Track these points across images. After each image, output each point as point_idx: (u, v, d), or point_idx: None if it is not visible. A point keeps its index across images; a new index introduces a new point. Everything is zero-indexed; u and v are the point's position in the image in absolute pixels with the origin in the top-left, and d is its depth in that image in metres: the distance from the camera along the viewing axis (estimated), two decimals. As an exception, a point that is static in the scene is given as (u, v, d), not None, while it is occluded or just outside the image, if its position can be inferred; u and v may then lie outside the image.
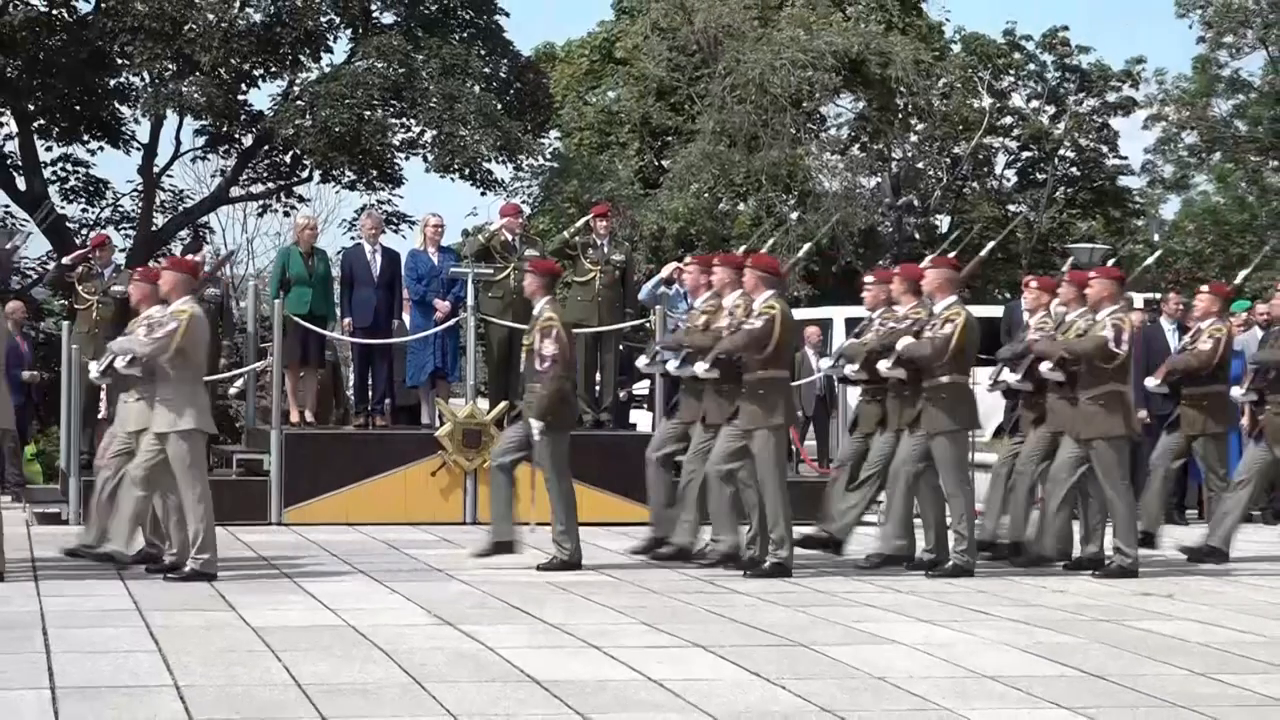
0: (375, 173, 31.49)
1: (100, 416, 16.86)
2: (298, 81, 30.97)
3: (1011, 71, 47.22)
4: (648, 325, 17.01)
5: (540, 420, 12.02)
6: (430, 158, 30.74)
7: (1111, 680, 8.17)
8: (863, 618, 10.09)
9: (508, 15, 32.18)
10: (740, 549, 12.23)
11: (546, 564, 12.17)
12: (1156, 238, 50.08)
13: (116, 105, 31.17)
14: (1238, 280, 16.27)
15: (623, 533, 14.70)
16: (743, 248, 17.86)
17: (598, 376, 17.18)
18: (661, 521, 12.85)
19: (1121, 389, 12.21)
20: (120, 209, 33.63)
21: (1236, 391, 13.83)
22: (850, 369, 13.08)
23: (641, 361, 13.67)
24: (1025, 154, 47.80)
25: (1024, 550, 12.92)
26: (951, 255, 13.95)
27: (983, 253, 15.63)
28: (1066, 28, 47.02)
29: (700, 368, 12.20)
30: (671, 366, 12.83)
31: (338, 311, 17.23)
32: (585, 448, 15.97)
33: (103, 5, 29.64)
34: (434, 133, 30.21)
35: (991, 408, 20.24)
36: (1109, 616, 10.31)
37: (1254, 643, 9.39)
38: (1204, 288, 14.28)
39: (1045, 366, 12.63)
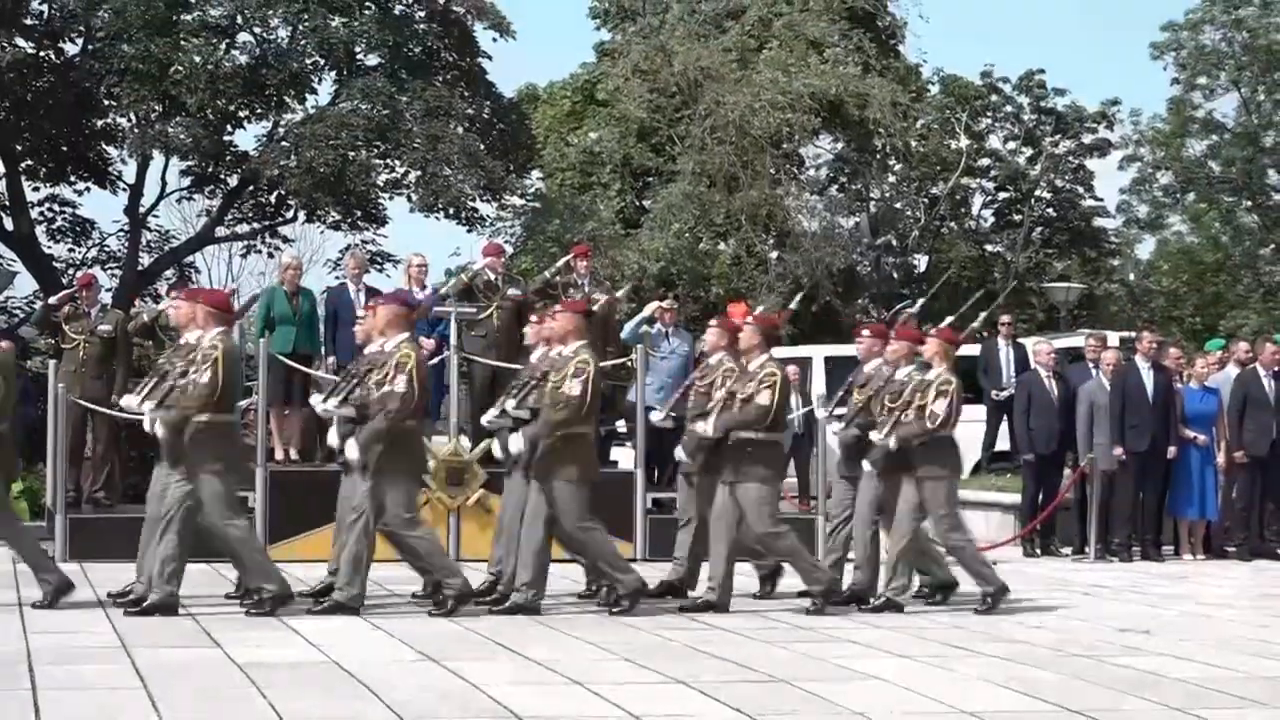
0: (359, 213, 31.51)
1: (87, 456, 16.85)
2: (282, 123, 30.99)
3: (988, 113, 47.40)
4: (629, 364, 17.01)
5: None
6: (414, 198, 30.76)
7: (1090, 715, 8.16)
8: (844, 654, 10.09)
9: (490, 58, 32.26)
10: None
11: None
12: (1132, 277, 50.27)
13: (103, 146, 31.16)
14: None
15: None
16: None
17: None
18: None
19: (586, 431, 12.02)
20: (106, 249, 33.60)
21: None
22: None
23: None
24: (1002, 194, 47.96)
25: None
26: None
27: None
28: (1043, 70, 47.29)
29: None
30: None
31: (322, 350, 17.22)
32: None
33: (90, 47, 29.67)
34: (418, 173, 30.24)
35: (968, 447, 20.34)
36: (1087, 652, 10.32)
37: (1230, 678, 9.40)
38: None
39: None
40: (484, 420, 12.74)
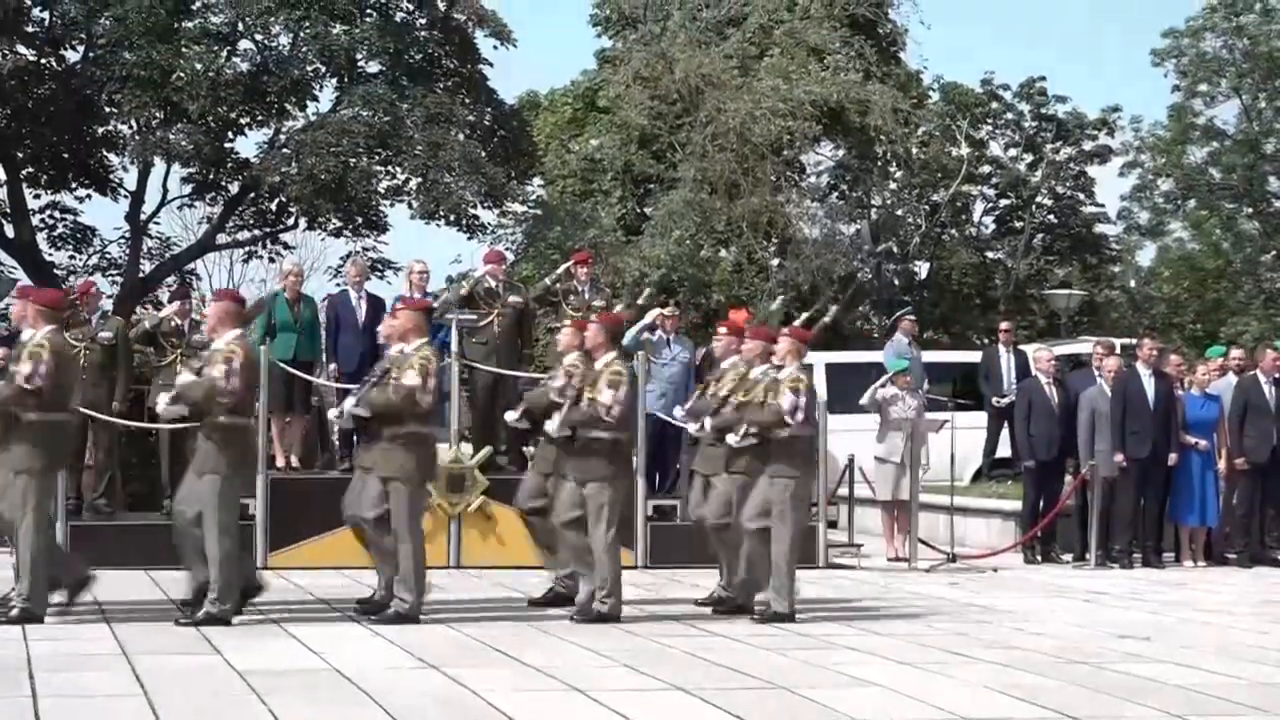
0: (360, 219, 31.57)
1: (88, 463, 16.84)
2: (284, 130, 31.05)
3: (989, 120, 47.44)
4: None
5: None
6: (415, 204, 30.82)
7: (1090, 722, 8.17)
8: (843, 660, 10.08)
9: (491, 65, 32.33)
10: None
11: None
12: (1133, 283, 50.29)
13: (104, 153, 31.22)
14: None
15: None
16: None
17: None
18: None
19: (424, 431, 11.84)
20: (108, 256, 33.68)
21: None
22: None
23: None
24: (1003, 201, 47.99)
25: None
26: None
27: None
28: (1044, 77, 47.35)
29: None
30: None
31: (324, 357, 17.24)
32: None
33: (91, 54, 29.71)
34: (419, 180, 30.30)
35: (969, 455, 20.35)
36: (1087, 658, 10.31)
37: (1231, 685, 9.39)
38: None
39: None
40: (330, 416, 12.63)
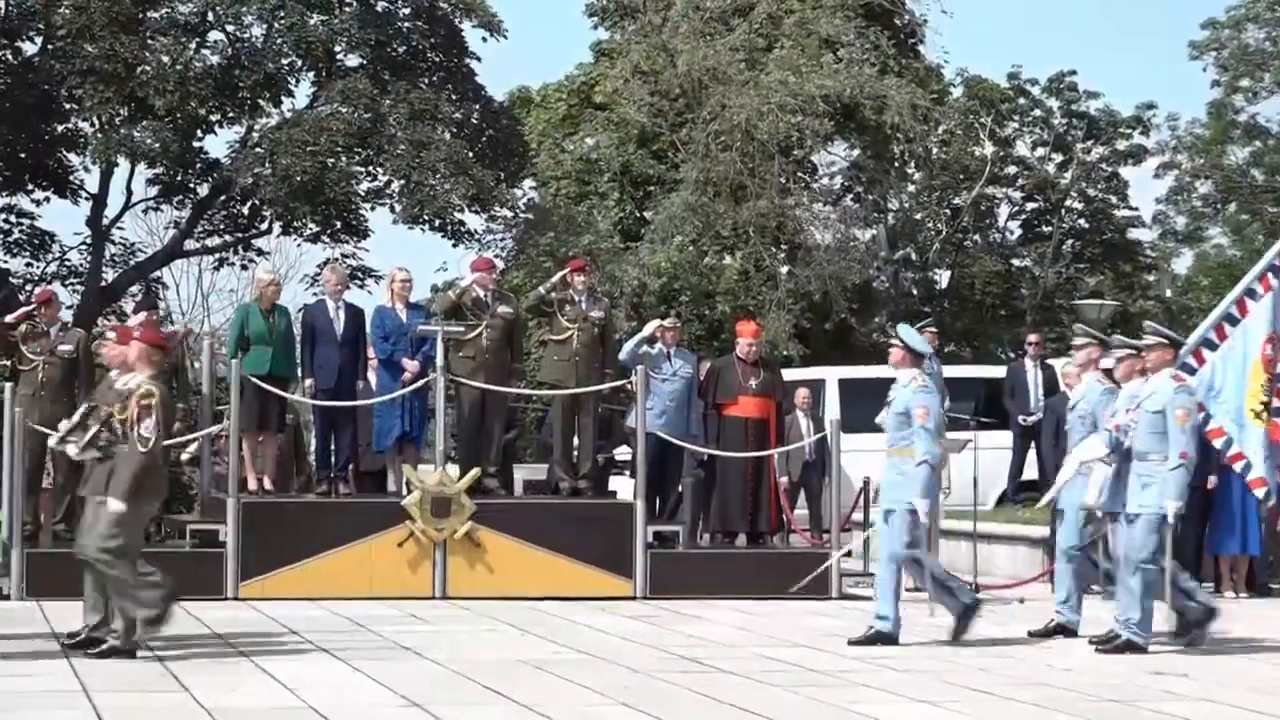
0: (339, 224, 31.59)
1: (46, 486, 16.84)
2: (257, 127, 31.08)
3: (1016, 117, 47.44)
4: (628, 386, 17.02)
5: None
6: (398, 208, 30.84)
7: (1122, 765, 8.18)
8: (857, 699, 10.08)
9: (479, 59, 32.35)
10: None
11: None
12: (1169, 293, 50.32)
13: (64, 153, 31.25)
14: None
15: (601, 607, 14.71)
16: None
17: (575, 440, 17.16)
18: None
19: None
20: (67, 263, 33.68)
21: None
22: None
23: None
24: (1030, 205, 48.00)
25: None
26: None
27: None
28: (1074, 72, 47.35)
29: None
30: None
31: (299, 372, 17.22)
32: (562, 516, 16.00)
33: (50, 46, 29.74)
34: (401, 182, 30.31)
35: (993, 478, 20.36)
36: (1120, 696, 10.31)
37: (1273, 725, 9.41)
38: None
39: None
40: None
